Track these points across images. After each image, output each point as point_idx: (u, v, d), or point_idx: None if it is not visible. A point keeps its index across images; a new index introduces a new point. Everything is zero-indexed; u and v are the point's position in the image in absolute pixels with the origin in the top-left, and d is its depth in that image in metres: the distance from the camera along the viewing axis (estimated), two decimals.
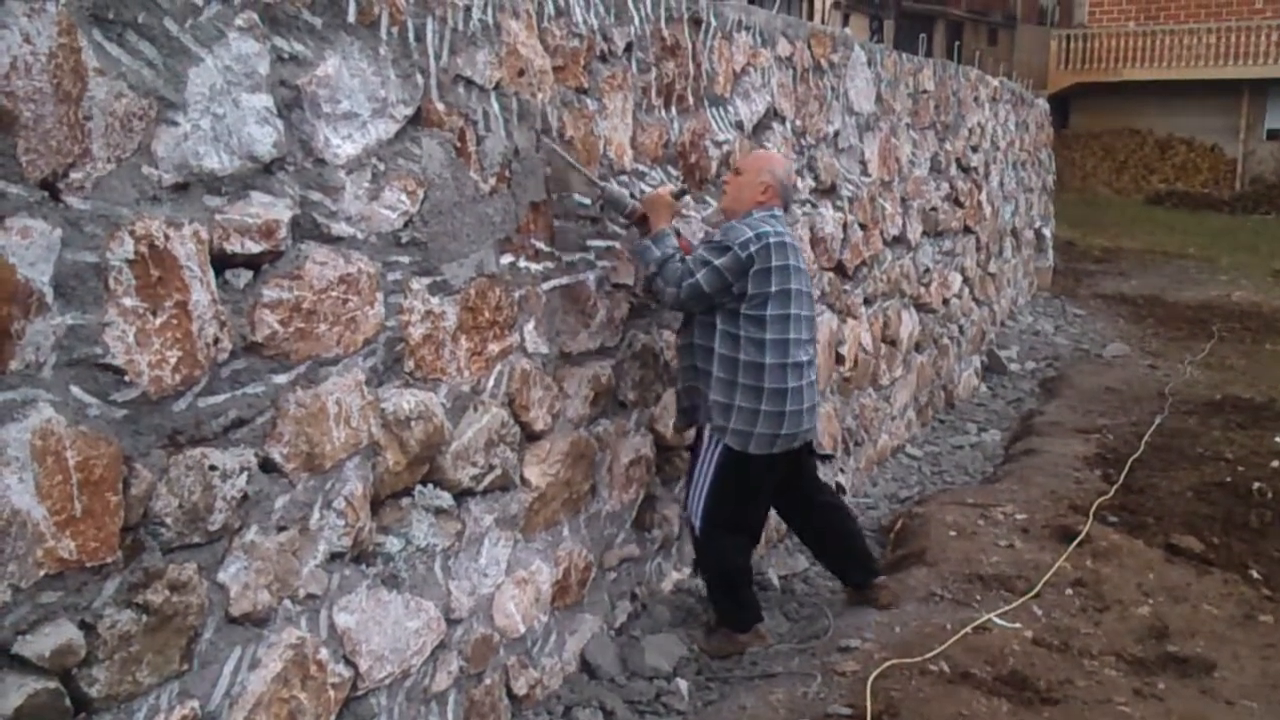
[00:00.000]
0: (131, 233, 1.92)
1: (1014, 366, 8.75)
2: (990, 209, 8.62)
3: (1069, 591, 4.11)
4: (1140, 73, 23.74)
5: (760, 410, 3.49)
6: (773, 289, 3.44)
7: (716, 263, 3.38)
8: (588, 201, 3.36)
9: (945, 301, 7.44)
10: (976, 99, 8.00)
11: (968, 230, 7.93)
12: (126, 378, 1.93)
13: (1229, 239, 17.54)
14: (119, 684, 1.97)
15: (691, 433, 3.82)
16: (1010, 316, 10.06)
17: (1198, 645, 3.73)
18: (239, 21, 2.11)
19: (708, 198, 4.13)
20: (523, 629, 3.21)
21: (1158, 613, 3.96)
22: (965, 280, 7.98)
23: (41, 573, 1.82)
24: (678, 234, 3.59)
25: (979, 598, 4.03)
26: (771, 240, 3.43)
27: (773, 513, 4.08)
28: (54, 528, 1.83)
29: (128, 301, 1.92)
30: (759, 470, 3.60)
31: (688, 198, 3.81)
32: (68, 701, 1.88)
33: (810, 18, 18.96)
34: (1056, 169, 12.94)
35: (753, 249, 3.39)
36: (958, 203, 7.55)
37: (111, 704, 1.97)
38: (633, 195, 3.48)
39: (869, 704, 3.17)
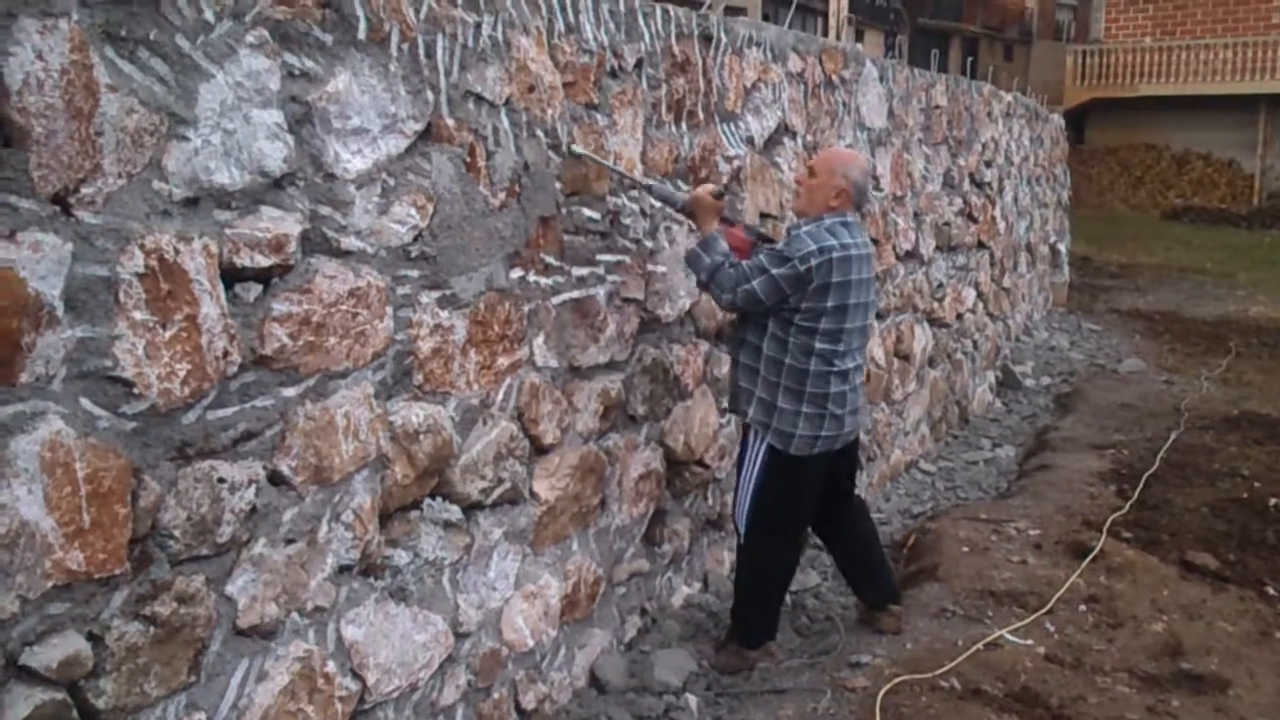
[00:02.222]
0: (142, 247, 1.94)
1: (1029, 382, 8.71)
2: (1004, 224, 8.60)
3: (1082, 608, 4.08)
4: (1157, 88, 23.67)
5: (801, 412, 3.47)
6: (829, 305, 3.39)
7: (775, 272, 3.35)
8: (598, 216, 3.38)
9: (959, 316, 7.42)
10: (990, 114, 8.00)
11: (982, 245, 7.91)
12: (136, 390, 1.95)
13: (1246, 254, 17.44)
14: (126, 696, 1.98)
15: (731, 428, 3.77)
16: (1025, 332, 10.01)
17: (1212, 663, 3.69)
18: (250, 38, 2.13)
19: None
20: (531, 643, 3.21)
21: (1172, 630, 3.92)
22: (979, 295, 7.96)
23: (50, 584, 1.83)
24: (730, 223, 3.59)
25: (991, 614, 4.00)
26: (835, 255, 3.36)
27: None
28: (62, 539, 1.84)
29: (138, 315, 1.94)
30: (801, 471, 3.57)
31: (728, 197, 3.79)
32: (75, 713, 1.89)
33: (824, 34, 19.01)
34: (1072, 185, 12.90)
35: (813, 263, 3.33)
36: (971, 218, 7.54)
37: (119, 716, 1.98)
38: (677, 188, 3.51)
39: None
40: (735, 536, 3.80)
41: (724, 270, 3.42)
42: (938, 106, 6.62)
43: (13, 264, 1.73)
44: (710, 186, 3.54)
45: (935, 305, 6.81)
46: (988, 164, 7.94)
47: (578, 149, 3.15)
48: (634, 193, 3.56)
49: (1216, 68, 23.00)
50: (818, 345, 3.44)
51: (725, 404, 3.91)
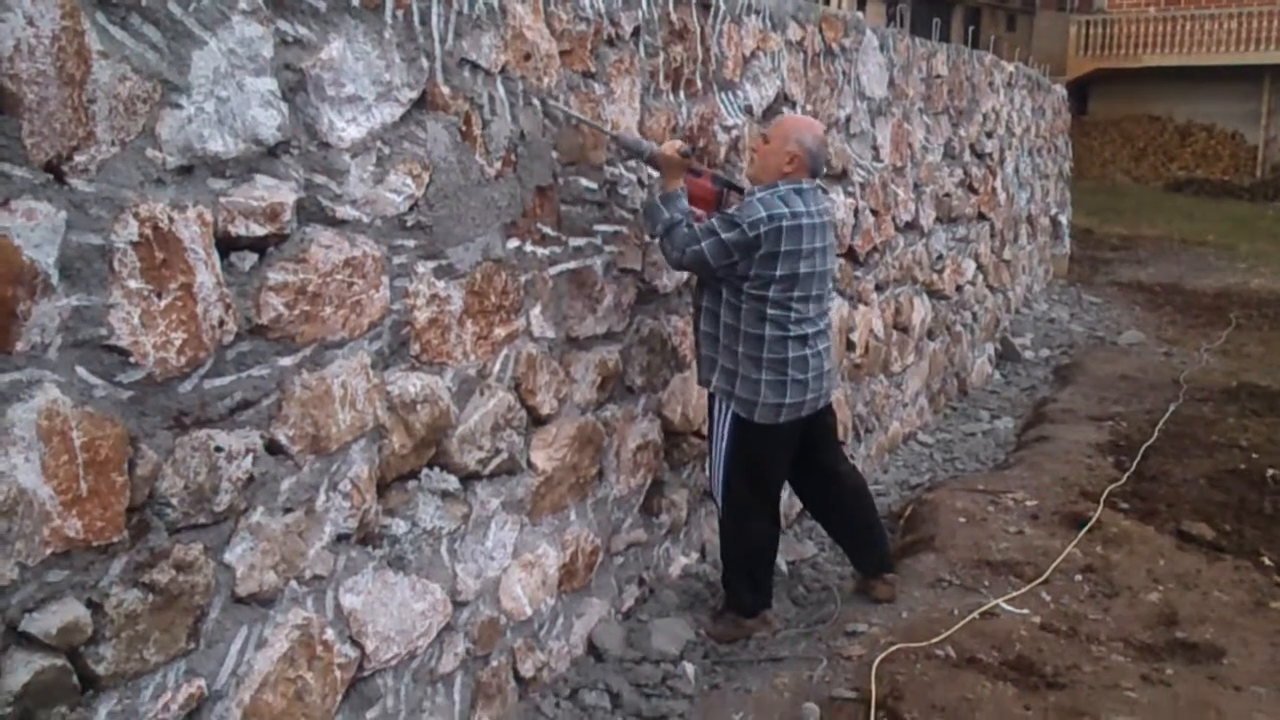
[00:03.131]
0: (136, 215, 1.93)
1: (1028, 354, 8.71)
2: (1005, 195, 8.57)
3: (1078, 578, 4.10)
4: (1160, 59, 23.49)
5: (761, 380, 3.48)
6: (777, 273, 3.40)
7: (724, 236, 3.34)
8: (595, 185, 3.37)
9: (958, 288, 7.41)
10: (991, 84, 7.95)
11: (982, 217, 7.89)
12: (132, 359, 1.95)
13: (1249, 227, 17.39)
14: (126, 662, 2.00)
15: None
16: (1025, 304, 10.01)
17: (1207, 632, 3.71)
18: (243, 5, 2.11)
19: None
20: (529, 612, 3.23)
21: (1167, 599, 3.95)
22: (979, 267, 7.94)
23: (48, 551, 1.84)
24: (697, 173, 3.56)
25: (987, 583, 4.03)
26: (786, 224, 3.37)
27: (784, 495, 4.07)
28: (60, 507, 1.85)
29: (132, 284, 1.94)
30: (768, 439, 3.58)
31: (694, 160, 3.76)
32: (75, 679, 1.91)
33: (826, 3, 18.86)
34: (1074, 156, 12.86)
35: (762, 230, 3.34)
36: (972, 189, 7.51)
37: (118, 682, 2.00)
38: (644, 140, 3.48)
39: (874, 687, 3.18)
40: (715, 509, 3.83)
41: (679, 229, 3.40)
42: (939, 76, 6.58)
43: (7, 232, 1.72)
44: (677, 144, 3.47)
45: (935, 277, 6.80)
46: (989, 135, 7.90)
47: (552, 103, 3.10)
48: (631, 163, 3.54)
49: (1221, 38, 22.81)
50: (769, 311, 3.43)
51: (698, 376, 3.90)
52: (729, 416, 3.57)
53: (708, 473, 3.75)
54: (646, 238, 3.62)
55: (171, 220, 2.00)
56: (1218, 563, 4.30)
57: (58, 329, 1.83)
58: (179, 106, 2.01)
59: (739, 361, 3.49)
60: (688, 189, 3.49)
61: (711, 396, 3.65)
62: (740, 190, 3.66)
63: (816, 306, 3.58)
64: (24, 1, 1.73)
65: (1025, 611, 3.78)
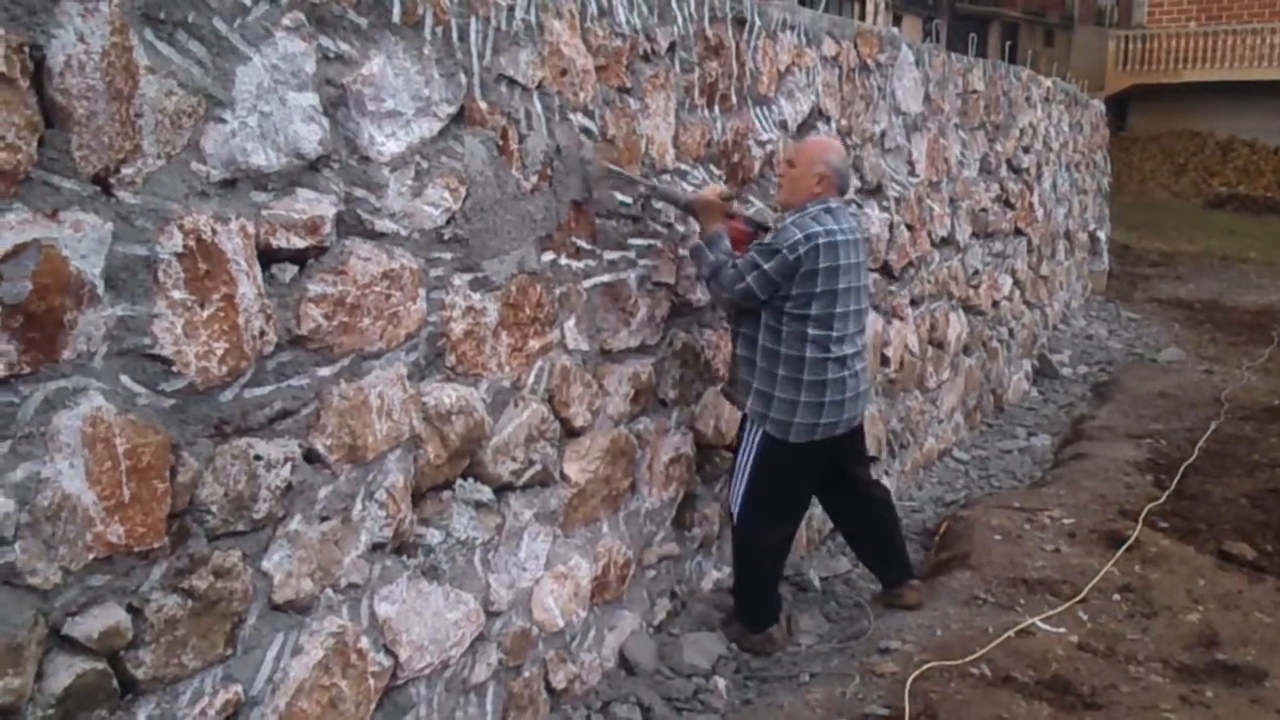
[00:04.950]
0: (180, 227, 1.97)
1: (1066, 371, 8.62)
2: (1042, 211, 8.50)
3: (1116, 597, 4.05)
4: (1201, 74, 23.23)
5: (799, 401, 3.52)
6: (818, 289, 3.45)
7: (766, 267, 3.41)
8: (629, 200, 3.38)
9: (995, 304, 7.35)
10: (1028, 99, 7.90)
11: (1019, 232, 7.83)
12: (174, 368, 1.99)
13: None
14: (164, 667, 2.03)
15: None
16: (1063, 320, 9.91)
17: (1248, 654, 3.65)
18: (286, 21, 2.16)
19: (751, 197, 4.13)
20: (561, 624, 3.24)
21: (1207, 620, 3.88)
22: (1016, 283, 7.88)
23: (91, 556, 1.88)
24: (730, 215, 3.63)
25: (1023, 602, 3.98)
26: (821, 241, 3.43)
27: (817, 512, 4.06)
28: (103, 513, 1.89)
29: (176, 294, 1.98)
30: (798, 458, 3.61)
31: (735, 203, 3.81)
32: (115, 682, 1.94)
33: (861, 19, 18.84)
34: (1113, 172, 12.73)
35: (801, 251, 3.41)
36: (1008, 204, 7.46)
37: (157, 686, 2.03)
38: (682, 189, 3.55)
39: (907, 705, 3.15)
40: (729, 520, 3.84)
41: (725, 270, 3.48)
42: (975, 91, 6.55)
43: (55, 243, 1.77)
44: (719, 188, 3.58)
45: (971, 292, 6.76)
46: (1026, 150, 7.84)
47: (585, 153, 3.15)
48: (665, 176, 3.56)
49: (1263, 53, 22.52)
50: (811, 331, 3.48)
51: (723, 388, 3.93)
52: (759, 435, 3.60)
53: (729, 483, 3.77)
54: (697, 279, 3.69)
55: (215, 232, 2.03)
56: (1259, 583, 4.23)
57: (103, 338, 1.87)
58: (223, 121, 2.05)
59: (776, 384, 3.53)
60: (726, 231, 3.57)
61: (744, 415, 3.68)
62: (768, 229, 3.73)
63: (855, 324, 3.62)
64: (75, 19, 1.77)
65: (1062, 630, 3.74)
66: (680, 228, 3.65)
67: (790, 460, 3.60)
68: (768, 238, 3.55)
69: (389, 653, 2.60)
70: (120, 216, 1.87)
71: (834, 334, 3.52)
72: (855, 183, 4.95)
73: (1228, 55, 22.97)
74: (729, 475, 3.80)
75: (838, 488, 3.93)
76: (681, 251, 3.65)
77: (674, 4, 3.51)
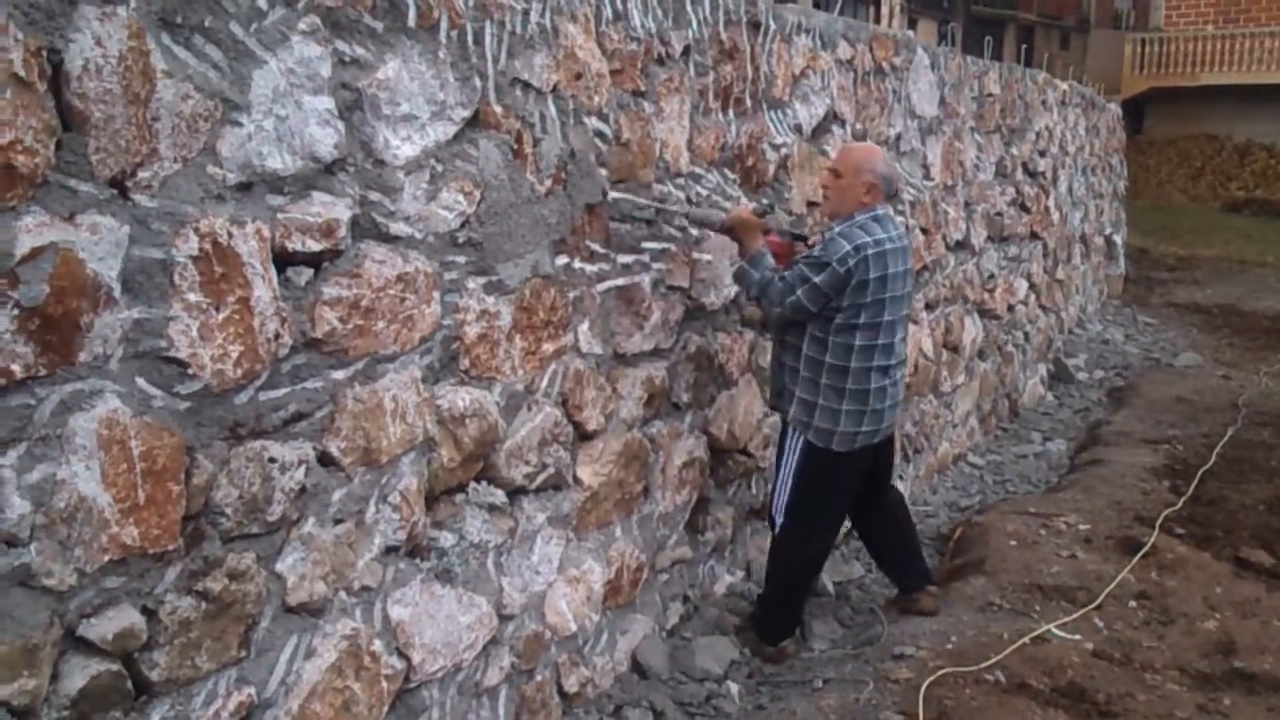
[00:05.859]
0: (196, 230, 1.98)
1: (1081, 375, 8.57)
2: (1058, 214, 8.46)
3: (1132, 604, 4.02)
4: (1218, 77, 23.06)
5: (842, 410, 3.52)
6: (868, 299, 3.44)
7: (816, 280, 3.40)
8: (645, 202, 3.38)
9: (1010, 308, 7.32)
10: (1044, 103, 7.87)
11: (1034, 236, 7.79)
12: (190, 371, 1.99)
13: None
14: (178, 668, 2.03)
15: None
16: (1079, 324, 9.86)
17: (1266, 662, 3.62)
18: (302, 25, 2.16)
19: (775, 205, 4.12)
20: (574, 627, 3.24)
21: (1225, 628, 3.85)
22: (1031, 287, 7.84)
23: (106, 558, 1.88)
24: (766, 231, 3.64)
25: (1038, 608, 3.96)
26: (870, 252, 3.41)
27: None
28: (118, 514, 1.89)
29: (192, 297, 1.98)
30: (840, 465, 3.61)
31: (774, 213, 3.82)
32: (129, 684, 1.95)
33: (876, 22, 18.81)
34: (1130, 175, 12.66)
35: (851, 263, 3.38)
36: (1024, 208, 7.43)
37: (171, 688, 2.03)
38: (715, 207, 3.60)
39: (921, 712, 3.14)
40: (770, 529, 3.82)
41: (774, 285, 3.48)
42: (990, 94, 6.53)
43: (72, 245, 1.77)
44: (751, 205, 3.57)
45: (986, 296, 6.73)
46: (1041, 153, 7.81)
47: (615, 194, 3.19)
48: (680, 180, 3.55)
49: None
50: (857, 342, 3.47)
51: (767, 398, 3.94)
52: (801, 443, 3.60)
53: (771, 491, 3.75)
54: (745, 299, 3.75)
55: (230, 235, 2.04)
56: (1277, 591, 4.19)
57: (119, 340, 1.88)
58: (239, 124, 2.05)
59: (820, 393, 3.53)
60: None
61: (786, 422, 3.68)
62: (804, 239, 3.74)
63: (900, 331, 3.62)
64: (93, 23, 1.78)
65: (1077, 637, 3.72)
66: (694, 232, 3.65)
67: (833, 468, 3.60)
68: (816, 250, 3.52)
69: (402, 656, 2.60)
70: (137, 220, 1.88)
71: (879, 343, 3.51)
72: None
73: (1245, 58, 22.80)
74: (772, 483, 3.79)
75: (865, 494, 3.91)
76: (695, 255, 3.65)
77: (689, 7, 3.50)
